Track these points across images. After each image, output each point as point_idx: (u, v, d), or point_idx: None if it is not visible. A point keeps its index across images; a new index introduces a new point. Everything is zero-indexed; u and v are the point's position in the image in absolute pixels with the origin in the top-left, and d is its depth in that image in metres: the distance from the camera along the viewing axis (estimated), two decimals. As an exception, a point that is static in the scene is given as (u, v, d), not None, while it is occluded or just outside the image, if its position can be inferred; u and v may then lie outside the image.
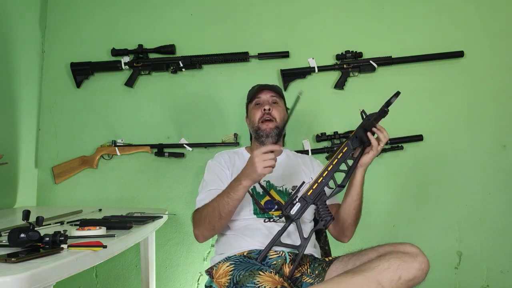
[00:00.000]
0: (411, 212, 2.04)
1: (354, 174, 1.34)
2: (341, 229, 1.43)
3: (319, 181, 1.28)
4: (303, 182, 1.33)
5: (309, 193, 1.28)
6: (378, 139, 1.30)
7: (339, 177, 1.31)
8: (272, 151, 1.24)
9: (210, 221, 1.35)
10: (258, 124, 1.55)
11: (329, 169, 1.29)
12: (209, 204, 1.36)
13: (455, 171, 2.04)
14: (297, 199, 1.28)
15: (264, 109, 1.54)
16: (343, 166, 1.31)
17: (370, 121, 1.28)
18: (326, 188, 1.29)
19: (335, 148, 2.00)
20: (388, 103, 1.22)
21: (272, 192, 1.43)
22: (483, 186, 2.03)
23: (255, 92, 1.60)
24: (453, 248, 2.01)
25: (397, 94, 1.21)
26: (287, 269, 1.31)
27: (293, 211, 1.27)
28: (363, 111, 1.32)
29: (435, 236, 2.01)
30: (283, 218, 1.35)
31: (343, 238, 1.46)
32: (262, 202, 1.41)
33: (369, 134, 1.28)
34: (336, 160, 1.30)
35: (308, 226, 1.46)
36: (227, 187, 1.33)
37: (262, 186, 1.40)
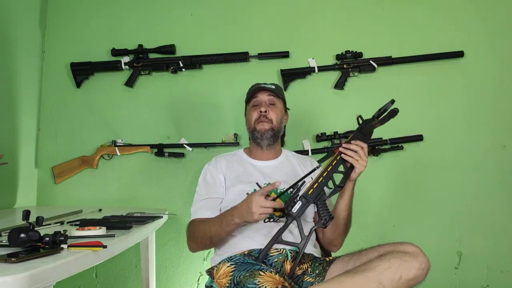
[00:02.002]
0: (411, 212, 2.04)
1: (344, 187, 1.36)
2: (330, 238, 1.46)
3: (319, 181, 1.31)
4: (304, 182, 1.34)
5: (309, 192, 1.30)
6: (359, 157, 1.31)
7: (337, 178, 1.34)
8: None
9: (201, 241, 1.41)
10: (254, 125, 1.55)
11: (328, 169, 1.32)
12: (201, 227, 1.38)
13: (455, 171, 2.04)
14: (298, 198, 1.30)
15: (260, 111, 1.53)
16: (341, 168, 1.34)
17: (368, 126, 1.32)
18: (325, 188, 1.32)
19: (334, 148, 2.00)
20: (385, 110, 1.27)
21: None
22: (483, 186, 2.03)
23: (252, 92, 1.58)
24: (453, 248, 2.01)
25: (392, 101, 1.26)
26: (288, 267, 1.31)
27: (295, 209, 1.29)
28: (359, 116, 1.36)
29: (435, 236, 2.01)
30: (284, 218, 1.36)
31: (332, 247, 1.50)
32: None
33: (348, 158, 1.30)
34: (335, 161, 1.33)
35: (309, 225, 1.46)
36: (220, 216, 1.34)
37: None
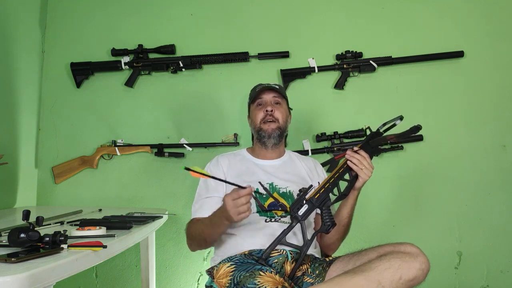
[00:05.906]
0: (411, 212, 2.04)
1: (348, 196, 1.37)
2: (327, 242, 1.47)
3: (326, 186, 1.32)
4: (311, 185, 1.35)
5: (316, 197, 1.31)
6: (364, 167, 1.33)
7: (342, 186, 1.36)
8: (242, 196, 1.17)
9: (198, 242, 1.42)
10: (260, 125, 1.54)
11: (335, 176, 1.34)
12: (197, 227, 1.39)
13: (455, 171, 2.04)
14: (304, 201, 1.31)
15: (267, 110, 1.53)
16: (347, 176, 1.36)
17: (377, 139, 1.36)
18: (330, 194, 1.34)
19: (335, 149, 2.00)
20: (393, 125, 1.35)
21: (275, 195, 1.43)
22: (483, 186, 2.02)
23: (257, 93, 1.58)
24: (453, 248, 2.01)
25: (401, 118, 1.32)
26: (288, 268, 1.31)
27: (301, 212, 1.30)
28: (368, 128, 1.40)
29: (435, 236, 2.01)
30: (286, 218, 1.38)
31: (328, 250, 1.51)
32: (266, 204, 1.41)
33: (353, 166, 1.32)
34: (343, 169, 1.35)
35: (311, 228, 1.46)
36: (212, 217, 1.31)
37: (265, 189, 1.40)
